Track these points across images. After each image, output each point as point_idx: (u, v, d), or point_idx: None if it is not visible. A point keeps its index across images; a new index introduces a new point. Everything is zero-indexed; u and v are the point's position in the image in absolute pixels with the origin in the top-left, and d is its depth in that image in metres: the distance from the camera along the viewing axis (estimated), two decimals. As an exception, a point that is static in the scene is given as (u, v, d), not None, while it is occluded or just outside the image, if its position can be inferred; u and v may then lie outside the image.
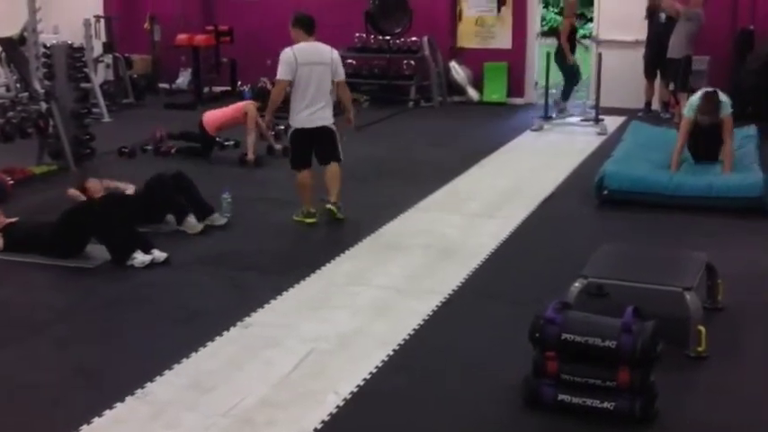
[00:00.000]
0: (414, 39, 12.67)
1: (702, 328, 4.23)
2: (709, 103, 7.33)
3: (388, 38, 12.68)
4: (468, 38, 12.97)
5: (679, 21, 10.56)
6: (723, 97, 7.45)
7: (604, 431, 3.61)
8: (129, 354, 4.44)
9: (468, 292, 5.25)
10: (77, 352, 4.48)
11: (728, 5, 11.35)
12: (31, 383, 4.12)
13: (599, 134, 10.24)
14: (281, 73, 6.52)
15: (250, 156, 8.70)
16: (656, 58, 11.12)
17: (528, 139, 10.24)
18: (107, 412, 3.75)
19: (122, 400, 3.84)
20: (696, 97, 7.52)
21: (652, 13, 11.30)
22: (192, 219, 6.42)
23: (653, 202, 6.90)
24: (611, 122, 10.81)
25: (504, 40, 12.78)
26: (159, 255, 5.76)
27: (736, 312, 4.84)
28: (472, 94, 12.79)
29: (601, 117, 10.60)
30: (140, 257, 5.66)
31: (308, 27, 6.55)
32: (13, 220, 6.22)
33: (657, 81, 11.42)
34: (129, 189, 6.67)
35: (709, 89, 7.54)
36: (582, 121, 11.02)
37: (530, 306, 4.22)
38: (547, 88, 10.97)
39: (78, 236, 5.85)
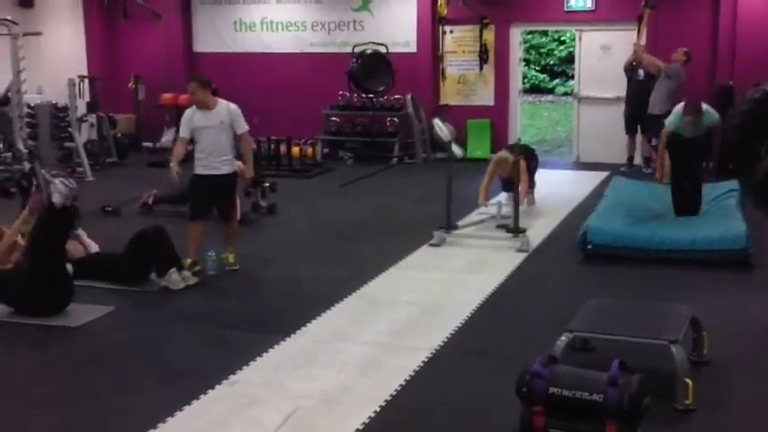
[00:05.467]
0: (397, 96, 12.82)
1: (689, 381, 4.23)
2: (692, 104, 7.76)
3: (371, 96, 12.82)
4: (450, 95, 13.14)
5: (660, 78, 10.76)
6: (708, 107, 7.89)
7: (593, 487, 3.58)
8: (113, 413, 4.38)
9: (454, 349, 5.23)
10: (61, 412, 4.41)
11: (708, 62, 11.57)
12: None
13: (519, 251, 7.45)
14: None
15: None
16: (635, 114, 11.28)
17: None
18: (89, 473, 3.70)
19: (105, 461, 3.79)
20: (679, 106, 7.94)
21: (631, 70, 11.49)
22: (174, 274, 6.40)
23: (636, 256, 6.94)
24: (592, 178, 10.89)
25: (486, 98, 12.96)
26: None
27: (721, 365, 4.84)
28: (455, 150, 12.87)
29: (522, 227, 7.69)
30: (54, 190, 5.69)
31: (210, 87, 7.02)
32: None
33: (639, 136, 11.56)
34: (93, 247, 6.69)
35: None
36: (499, 227, 8.14)
37: (515, 361, 4.20)
38: (449, 193, 7.89)
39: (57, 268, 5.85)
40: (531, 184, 9.14)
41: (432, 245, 7.63)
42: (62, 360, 5.19)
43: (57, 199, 5.56)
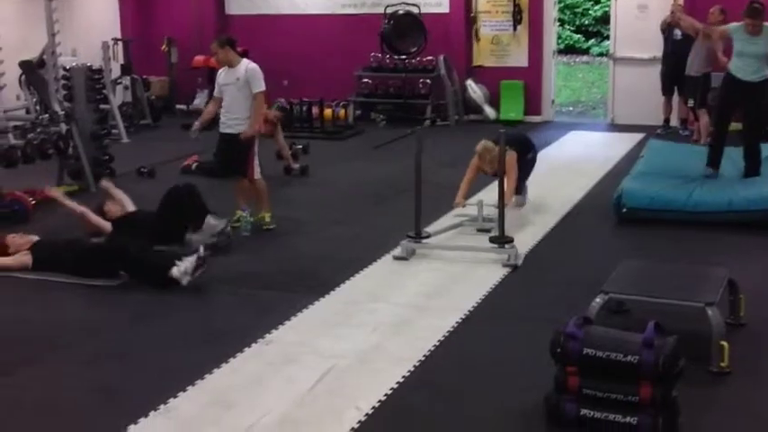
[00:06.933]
0: (429, 58, 12.72)
1: (725, 344, 4.21)
2: (755, 4, 7.54)
3: (403, 57, 12.74)
4: (484, 56, 13.01)
5: (698, 38, 10.53)
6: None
7: (627, 447, 3.59)
8: (151, 370, 4.46)
9: (487, 310, 5.25)
10: (101, 369, 4.51)
11: (746, 21, 11.31)
12: (55, 400, 4.15)
13: (505, 266, 6.01)
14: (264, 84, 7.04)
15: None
16: (672, 75, 11.10)
17: (544, 157, 10.20)
18: (131, 427, 3.79)
19: (146, 416, 3.89)
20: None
21: (668, 29, 11.29)
22: (211, 219, 6.47)
23: (672, 219, 6.87)
24: (627, 140, 10.76)
25: (520, 59, 12.81)
26: (189, 261, 5.64)
27: (758, 328, 4.80)
28: (489, 112, 12.81)
29: (509, 236, 6.18)
30: (182, 265, 5.62)
31: (231, 45, 7.05)
32: (37, 238, 6.31)
33: (675, 98, 11.40)
34: (129, 206, 6.78)
35: None
36: (479, 230, 6.82)
37: (549, 323, 4.20)
38: (418, 191, 6.38)
39: (109, 271, 5.89)
40: (523, 185, 7.59)
41: (396, 258, 6.23)
42: (102, 318, 5.28)
43: (175, 273, 5.59)
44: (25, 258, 6.04)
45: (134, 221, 6.65)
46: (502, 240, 6.16)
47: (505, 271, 5.92)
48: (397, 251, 6.28)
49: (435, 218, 7.17)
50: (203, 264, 5.60)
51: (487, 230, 6.63)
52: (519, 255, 6.10)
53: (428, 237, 6.41)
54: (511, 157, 6.95)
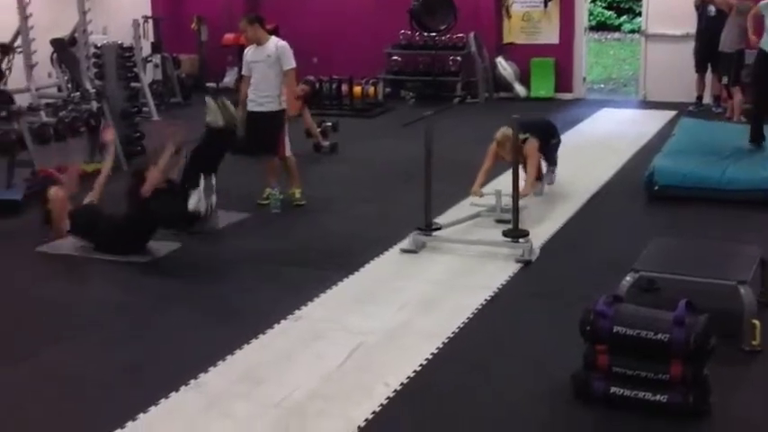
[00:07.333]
0: (459, 35, 12.64)
1: (757, 322, 4.17)
2: None
3: (433, 35, 12.67)
4: (514, 33, 12.91)
5: (731, 15, 10.39)
6: None
7: (656, 425, 3.57)
8: (182, 346, 4.51)
9: (516, 288, 5.23)
10: (129, 347, 4.55)
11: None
12: (86, 376, 4.20)
13: (518, 261, 5.64)
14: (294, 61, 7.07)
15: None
16: (706, 51, 10.95)
17: (575, 135, 10.13)
18: (162, 401, 3.83)
19: (177, 390, 3.92)
20: None
21: (702, 6, 11.13)
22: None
23: (705, 196, 6.80)
24: (659, 118, 10.63)
25: (551, 36, 12.70)
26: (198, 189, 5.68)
27: (791, 307, 4.75)
28: (519, 89, 12.72)
29: (524, 229, 5.88)
30: (194, 195, 5.66)
31: (259, 23, 7.08)
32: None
33: (708, 75, 11.24)
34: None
35: None
36: (498, 221, 6.41)
37: (579, 301, 4.18)
38: (428, 180, 6.08)
39: (140, 243, 5.95)
40: (553, 163, 7.52)
41: (404, 251, 5.91)
42: (130, 296, 5.33)
43: (191, 205, 5.61)
44: (62, 225, 6.10)
45: (170, 189, 6.61)
46: (516, 234, 5.80)
47: (520, 265, 5.59)
48: (406, 244, 5.97)
49: (456, 202, 7.07)
50: (212, 192, 5.66)
51: (507, 221, 6.11)
52: (534, 250, 5.73)
53: (439, 229, 6.05)
54: (532, 145, 6.78)
